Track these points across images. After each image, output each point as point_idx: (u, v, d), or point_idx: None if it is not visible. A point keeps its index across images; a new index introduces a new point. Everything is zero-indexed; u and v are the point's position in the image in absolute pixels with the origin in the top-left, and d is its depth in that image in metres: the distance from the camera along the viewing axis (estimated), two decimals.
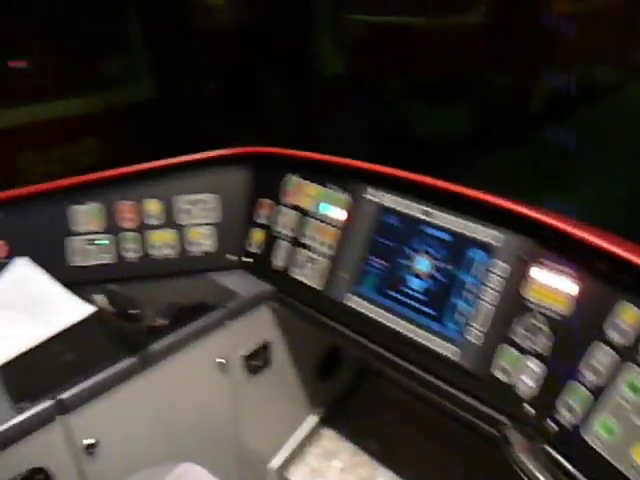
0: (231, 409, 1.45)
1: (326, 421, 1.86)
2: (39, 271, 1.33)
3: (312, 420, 1.82)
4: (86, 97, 3.19)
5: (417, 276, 1.15)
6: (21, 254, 1.33)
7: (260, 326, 1.45)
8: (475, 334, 1.06)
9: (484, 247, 1.06)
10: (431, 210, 1.14)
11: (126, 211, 1.40)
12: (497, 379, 1.02)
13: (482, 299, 1.06)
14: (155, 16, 3.04)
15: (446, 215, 1.12)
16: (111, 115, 3.16)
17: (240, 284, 1.42)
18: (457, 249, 1.10)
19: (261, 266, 1.44)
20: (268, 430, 1.64)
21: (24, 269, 1.32)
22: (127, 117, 3.20)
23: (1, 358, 1.11)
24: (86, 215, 1.39)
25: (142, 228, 1.41)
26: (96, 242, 1.39)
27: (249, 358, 1.44)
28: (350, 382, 1.95)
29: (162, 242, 1.42)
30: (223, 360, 1.36)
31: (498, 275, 1.04)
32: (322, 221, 1.31)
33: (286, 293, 1.38)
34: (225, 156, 1.43)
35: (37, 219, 1.35)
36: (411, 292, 1.16)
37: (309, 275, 1.33)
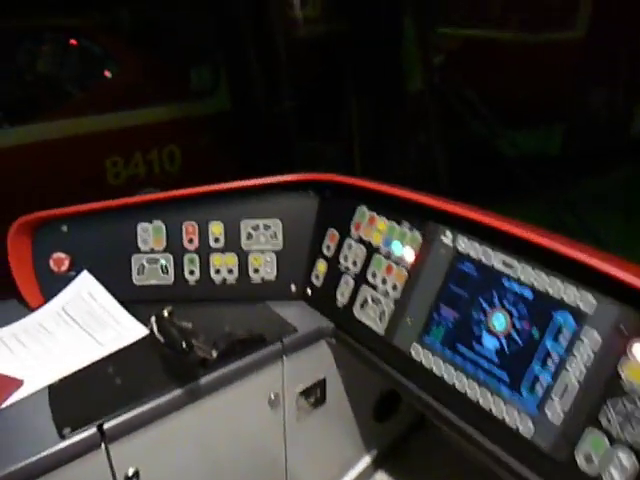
0: (281, 447, 1.39)
1: (381, 464, 1.75)
2: (100, 288, 1.32)
3: (366, 462, 1.72)
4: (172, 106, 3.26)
5: (492, 333, 1.03)
6: (83, 268, 1.33)
7: (317, 362, 1.37)
8: (556, 410, 0.92)
9: (573, 312, 0.93)
10: (513, 262, 1.01)
11: (189, 232, 1.37)
12: (577, 467, 0.88)
13: (568, 371, 0.92)
14: (233, 27, 3.05)
15: (530, 269, 0.99)
16: (186, 125, 3.19)
17: (299, 317, 1.35)
18: (541, 309, 0.97)
19: (322, 299, 1.36)
20: (319, 470, 1.56)
21: (87, 284, 1.32)
22: (203, 128, 3.23)
23: (54, 375, 1.09)
24: (150, 234, 1.36)
25: (203, 250, 1.37)
26: (157, 261, 1.37)
27: (304, 395, 1.37)
28: (409, 424, 1.83)
29: (222, 266, 1.38)
30: (276, 396, 1.29)
31: (588, 347, 0.90)
32: (392, 260, 1.22)
33: (346, 332, 1.30)
34: (292, 182, 1.37)
35: (101, 235, 1.35)
36: (483, 350, 1.04)
37: (372, 316, 1.23)
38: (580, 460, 0.89)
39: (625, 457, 0.84)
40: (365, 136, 3.61)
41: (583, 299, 0.92)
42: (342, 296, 1.31)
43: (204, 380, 1.13)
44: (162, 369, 1.13)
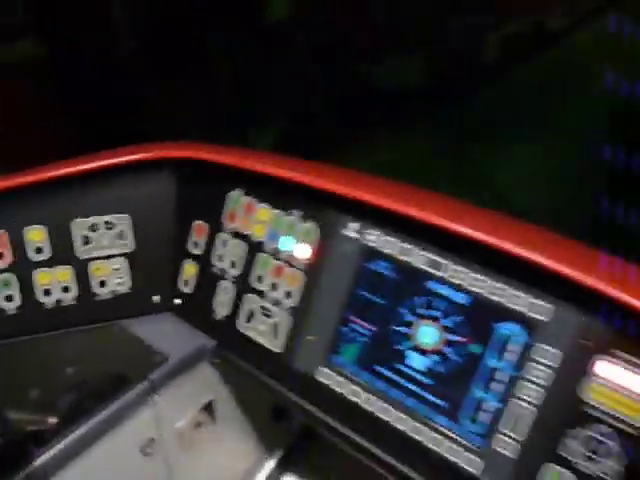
0: None
1: (288, 463, 1.54)
2: None
3: (271, 465, 1.50)
4: None
5: (419, 350, 0.81)
6: None
7: (199, 388, 1.09)
8: (507, 443, 0.74)
9: (523, 321, 0.73)
10: (442, 260, 0.78)
11: None
12: None
13: (519, 396, 0.73)
14: None
15: (464, 270, 0.77)
16: None
17: (168, 336, 1.05)
18: (481, 319, 0.76)
19: (196, 311, 1.06)
20: None
21: None
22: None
23: None
24: None
25: (22, 267, 0.99)
26: None
27: (186, 427, 1.09)
28: None
29: (53, 284, 1.01)
30: (151, 441, 1.00)
31: (543, 364, 0.71)
32: (281, 259, 0.94)
33: (233, 351, 1.02)
34: (137, 161, 1.01)
35: None
36: (410, 372, 0.82)
37: (262, 331, 0.96)
38: None
39: None
40: (227, 74, 3.20)
41: (535, 306, 0.72)
42: (221, 306, 1.02)
43: (44, 458, 0.80)
44: None
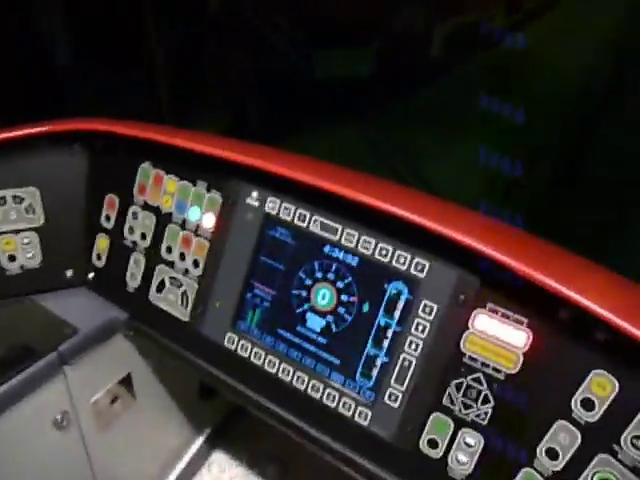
0: (85, 465, 1.11)
1: (217, 441, 1.57)
2: None
3: (198, 444, 1.52)
4: None
5: (316, 312, 0.85)
6: None
7: (114, 361, 1.10)
8: (394, 394, 0.78)
9: (406, 280, 0.77)
10: (334, 225, 0.82)
11: None
12: (423, 454, 0.77)
13: (404, 350, 0.78)
14: None
15: (354, 232, 0.81)
16: None
17: (81, 310, 1.05)
18: (370, 279, 0.80)
19: (109, 284, 1.07)
20: (140, 469, 1.32)
21: None
22: None
23: None
24: None
25: None
26: None
27: (102, 401, 1.09)
28: None
29: None
30: (64, 415, 1.00)
31: (424, 319, 0.76)
32: (188, 229, 0.96)
33: (143, 322, 1.03)
34: (44, 134, 1.01)
35: None
36: (308, 332, 0.86)
37: (172, 300, 0.98)
38: (424, 447, 0.77)
39: (474, 441, 0.73)
40: (166, 61, 3.17)
41: (415, 265, 0.77)
42: (133, 278, 1.03)
43: None
44: None
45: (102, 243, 1.06)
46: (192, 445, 1.50)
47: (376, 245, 0.79)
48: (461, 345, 0.75)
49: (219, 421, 1.56)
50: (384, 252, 0.79)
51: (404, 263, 0.77)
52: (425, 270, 0.76)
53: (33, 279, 1.05)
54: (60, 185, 1.04)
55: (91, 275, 1.08)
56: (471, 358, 0.74)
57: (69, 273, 1.08)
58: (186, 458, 1.48)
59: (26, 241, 1.03)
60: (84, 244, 1.07)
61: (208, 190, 0.93)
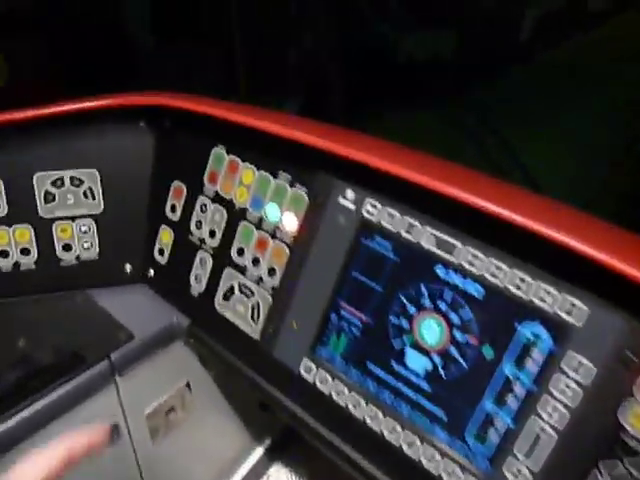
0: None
1: (276, 454, 1.43)
2: None
3: (257, 455, 1.38)
4: None
5: (420, 348, 0.67)
6: None
7: (171, 370, 0.97)
8: (520, 471, 0.59)
9: (549, 323, 0.58)
10: (455, 241, 0.63)
11: None
12: None
13: (539, 414, 0.58)
14: None
15: (480, 254, 0.62)
16: None
17: (139, 310, 0.92)
18: (497, 317, 0.61)
19: (171, 284, 0.93)
20: None
21: None
22: None
23: None
24: None
25: None
26: None
27: (157, 413, 0.97)
28: None
29: (10, 245, 0.89)
30: (115, 428, 0.88)
31: (573, 379, 0.56)
32: (265, 230, 0.80)
33: (208, 332, 0.89)
34: (109, 108, 0.87)
35: None
36: (407, 373, 0.68)
37: (241, 313, 0.83)
38: None
39: None
40: (248, 37, 3.05)
41: (566, 305, 0.57)
42: (197, 281, 0.88)
43: None
44: None
45: (165, 236, 0.92)
46: (249, 458, 1.37)
47: (511, 273, 0.60)
48: (620, 417, 0.55)
49: (279, 433, 1.42)
50: (521, 284, 0.59)
51: (549, 301, 0.58)
52: (578, 313, 0.56)
53: (89, 272, 0.93)
54: (123, 168, 0.91)
55: (151, 272, 0.94)
56: (632, 437, 0.54)
57: (128, 268, 0.95)
58: (242, 471, 1.35)
59: (83, 229, 0.91)
60: (146, 236, 0.94)
61: (292, 185, 0.76)
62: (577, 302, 0.56)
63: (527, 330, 0.59)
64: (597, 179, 2.80)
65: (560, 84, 3.69)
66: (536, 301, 0.58)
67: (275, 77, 3.26)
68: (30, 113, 0.84)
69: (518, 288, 0.59)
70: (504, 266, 0.60)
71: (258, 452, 1.38)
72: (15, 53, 2.31)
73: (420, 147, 0.76)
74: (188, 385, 1.03)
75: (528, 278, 0.59)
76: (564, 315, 0.57)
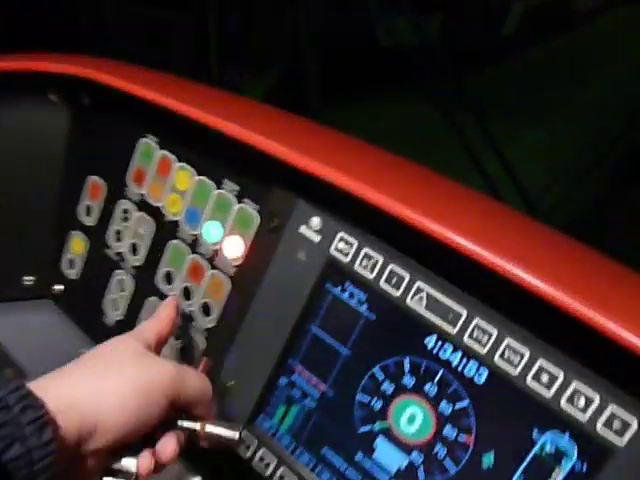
0: None
1: None
2: None
3: None
4: None
5: (395, 440, 0.49)
6: None
7: None
8: None
9: (580, 438, 0.41)
10: (455, 307, 0.46)
11: None
12: None
13: None
14: None
15: (490, 328, 0.44)
16: None
17: (39, 337, 0.71)
18: (505, 415, 0.44)
19: (82, 305, 0.73)
20: None
21: None
22: None
23: None
24: None
25: None
26: None
27: None
28: None
29: None
30: None
31: None
32: (201, 254, 0.60)
33: None
34: (11, 72, 0.66)
35: None
36: (375, 470, 0.50)
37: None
38: None
39: None
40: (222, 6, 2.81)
41: (608, 415, 0.40)
42: (114, 307, 0.68)
43: None
44: None
45: (77, 245, 0.72)
46: None
47: (532, 360, 0.42)
48: None
49: None
50: (546, 377, 0.42)
51: (585, 408, 0.41)
52: (625, 430, 0.39)
53: None
54: (25, 151, 0.70)
55: (58, 287, 0.74)
56: None
57: (28, 280, 0.74)
58: None
59: None
60: (53, 242, 0.73)
61: (239, 199, 0.57)
62: (624, 414, 0.39)
63: (548, 441, 0.42)
64: (575, 177, 2.77)
65: (545, 81, 3.62)
66: (566, 406, 0.41)
67: (251, 52, 3.04)
68: None
69: (540, 381, 0.42)
70: (525, 350, 0.43)
71: None
72: None
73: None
74: None
75: (558, 371, 0.42)
76: (603, 429, 0.40)
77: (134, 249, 0.66)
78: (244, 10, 2.95)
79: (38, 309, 0.75)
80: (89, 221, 0.70)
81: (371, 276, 0.49)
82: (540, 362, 0.42)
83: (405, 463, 0.49)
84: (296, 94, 2.72)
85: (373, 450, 0.50)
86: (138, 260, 0.66)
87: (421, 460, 0.48)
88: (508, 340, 0.43)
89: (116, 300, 0.68)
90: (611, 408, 0.40)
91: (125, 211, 0.66)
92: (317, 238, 0.52)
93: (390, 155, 0.59)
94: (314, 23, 2.70)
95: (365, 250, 0.49)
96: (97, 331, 0.71)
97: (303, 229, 0.52)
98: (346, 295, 0.51)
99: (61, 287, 0.74)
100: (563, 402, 0.41)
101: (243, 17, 2.96)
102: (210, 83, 0.78)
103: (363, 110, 2.99)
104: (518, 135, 3.03)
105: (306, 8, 2.63)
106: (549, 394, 0.42)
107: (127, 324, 0.68)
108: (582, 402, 0.41)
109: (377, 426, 0.50)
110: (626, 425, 0.39)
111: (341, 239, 0.50)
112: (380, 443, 0.50)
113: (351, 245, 0.50)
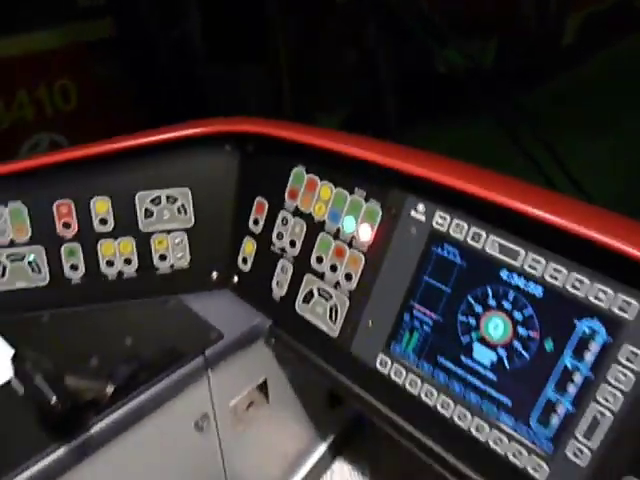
0: (218, 464, 1.11)
1: (339, 450, 1.52)
2: None
3: (321, 451, 1.48)
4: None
5: (486, 343, 0.75)
6: None
7: (253, 367, 1.08)
8: (581, 451, 0.67)
9: (604, 319, 0.66)
10: (516, 247, 0.72)
11: (63, 213, 0.99)
12: None
13: (597, 400, 0.66)
14: None
15: (540, 258, 0.70)
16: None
17: (225, 313, 1.03)
18: (557, 314, 0.69)
19: (254, 289, 1.04)
20: (266, 471, 1.31)
21: None
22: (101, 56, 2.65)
23: None
24: (7, 220, 0.98)
25: (87, 236, 1.00)
26: (23, 257, 0.99)
27: (239, 406, 1.08)
28: None
29: (116, 255, 1.02)
30: (204, 417, 1.00)
31: (627, 367, 0.64)
32: (342, 240, 0.90)
33: (288, 331, 0.99)
34: (199, 135, 1.00)
35: None
36: (476, 366, 0.76)
37: (319, 313, 0.93)
38: None
39: None
40: (293, 55, 3.18)
41: (618, 302, 0.65)
42: (279, 286, 0.99)
43: (100, 426, 0.81)
44: (35, 420, 0.80)
45: (249, 247, 1.04)
46: (315, 452, 1.47)
47: (568, 275, 0.68)
48: None
49: (342, 431, 1.51)
50: (578, 284, 0.67)
51: (603, 299, 0.66)
52: (631, 310, 0.64)
53: (181, 279, 1.06)
54: (211, 186, 1.03)
55: (235, 279, 1.06)
56: None
57: (215, 275, 1.07)
58: (309, 464, 1.45)
59: (177, 241, 1.03)
60: (231, 247, 1.06)
61: (367, 200, 0.87)
62: (630, 300, 0.64)
63: (585, 326, 0.67)
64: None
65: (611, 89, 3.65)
66: (593, 300, 0.66)
67: (321, 93, 3.37)
68: (134, 141, 0.97)
69: (576, 288, 0.68)
70: (563, 269, 0.69)
71: (323, 447, 1.47)
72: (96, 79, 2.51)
73: (471, 159, 0.85)
74: (265, 382, 1.14)
75: (585, 280, 0.67)
76: (618, 312, 0.65)
77: (292, 244, 0.97)
78: (308, 57, 3.27)
79: (222, 296, 1.07)
80: (256, 229, 1.03)
81: (461, 237, 0.77)
82: (575, 275, 0.68)
83: (495, 358, 0.75)
84: (373, 123, 3.01)
85: (472, 352, 0.77)
86: (295, 251, 0.97)
87: (506, 354, 0.74)
88: (551, 264, 0.69)
89: (280, 281, 0.99)
90: (623, 298, 0.65)
91: (284, 218, 0.98)
92: (423, 218, 0.80)
93: (465, 163, 0.87)
94: (391, 58, 3.00)
95: (455, 221, 0.77)
96: (267, 306, 1.02)
97: (413, 213, 0.81)
98: (445, 252, 0.78)
99: (237, 279, 1.06)
100: (592, 298, 0.67)
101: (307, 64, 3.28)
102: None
103: (426, 134, 3.18)
104: (582, 148, 3.11)
105: (387, 43, 2.92)
106: (582, 294, 0.67)
107: (289, 297, 0.98)
108: (603, 297, 0.66)
109: (473, 335, 0.77)
110: (629, 304, 0.64)
111: (438, 216, 0.79)
112: (476, 347, 0.76)
113: (445, 219, 0.78)
